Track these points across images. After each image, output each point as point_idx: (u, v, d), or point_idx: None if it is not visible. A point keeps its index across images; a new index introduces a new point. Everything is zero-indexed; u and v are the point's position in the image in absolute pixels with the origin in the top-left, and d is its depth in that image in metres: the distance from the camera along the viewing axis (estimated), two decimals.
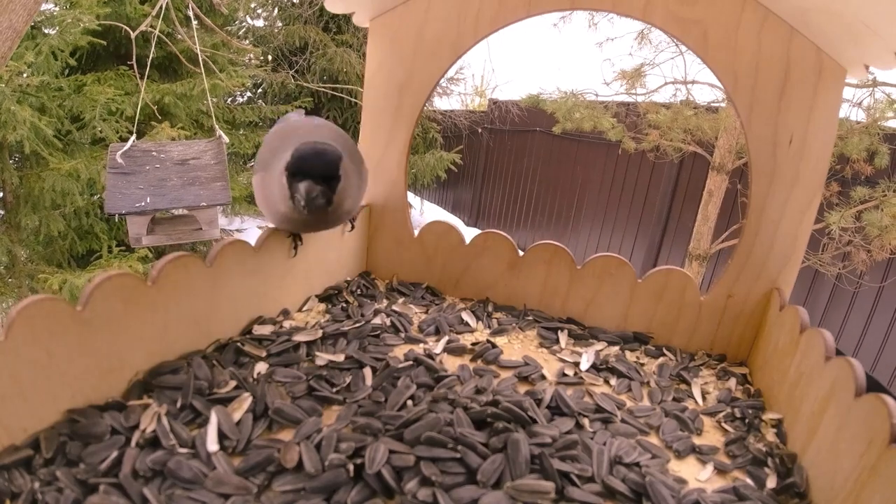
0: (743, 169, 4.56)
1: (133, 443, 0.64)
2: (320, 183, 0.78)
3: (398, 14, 1.11)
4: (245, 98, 7.07)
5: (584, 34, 5.20)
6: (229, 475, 0.62)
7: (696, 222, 4.76)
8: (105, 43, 4.10)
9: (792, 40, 0.93)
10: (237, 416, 0.71)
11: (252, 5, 6.95)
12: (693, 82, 4.75)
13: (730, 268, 1.05)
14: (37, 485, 0.57)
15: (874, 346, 4.32)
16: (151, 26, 2.75)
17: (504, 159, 8.34)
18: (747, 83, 0.97)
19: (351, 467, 0.63)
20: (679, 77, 4.77)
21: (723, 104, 4.57)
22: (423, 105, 1.15)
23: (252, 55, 5.75)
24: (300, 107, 6.40)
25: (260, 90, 7.21)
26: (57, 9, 3.99)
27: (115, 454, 0.62)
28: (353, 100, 6.61)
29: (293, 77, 6.73)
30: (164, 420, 0.67)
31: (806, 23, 0.90)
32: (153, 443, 0.65)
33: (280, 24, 7.27)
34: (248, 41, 6.70)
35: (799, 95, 0.94)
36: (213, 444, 0.66)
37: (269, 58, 7.14)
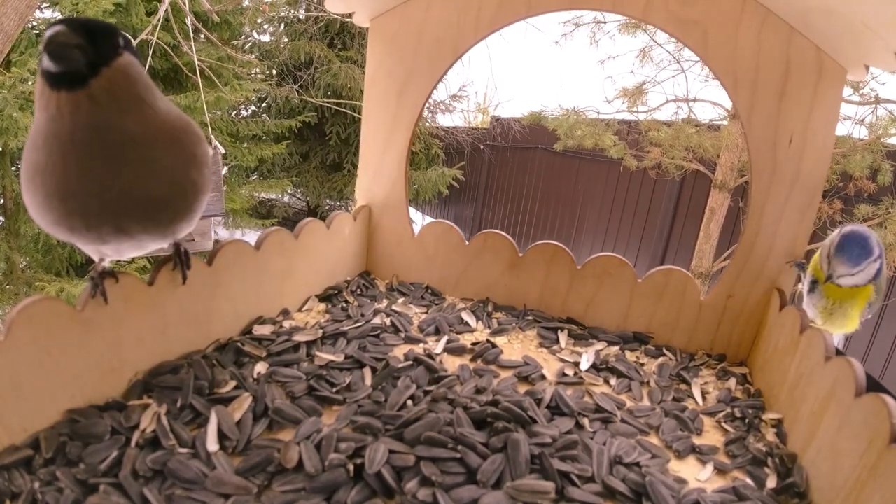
0: (745, 187, 4.55)
1: (133, 443, 0.64)
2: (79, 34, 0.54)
3: (398, 14, 1.12)
4: (249, 112, 7.14)
5: (585, 52, 5.23)
6: (229, 475, 0.61)
7: (698, 240, 4.74)
8: None
9: (792, 40, 0.94)
10: (237, 416, 0.71)
11: (259, 20, 7.02)
12: (695, 100, 4.77)
13: (730, 268, 1.05)
14: (37, 485, 0.56)
15: (878, 364, 4.28)
16: (151, 36, 2.77)
17: (506, 176, 8.33)
18: (747, 83, 0.97)
19: (351, 467, 0.63)
20: (681, 95, 4.79)
21: (724, 122, 4.57)
22: (423, 105, 1.16)
23: (258, 69, 5.79)
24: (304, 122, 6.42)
25: (264, 104, 7.28)
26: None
27: (115, 454, 0.62)
28: (356, 115, 6.65)
29: (297, 92, 6.79)
30: (164, 420, 0.67)
31: (806, 23, 0.91)
32: (153, 443, 0.65)
33: (286, 40, 7.35)
34: (253, 55, 6.76)
35: (799, 95, 0.95)
36: (213, 444, 0.65)
37: (274, 72, 7.21)
